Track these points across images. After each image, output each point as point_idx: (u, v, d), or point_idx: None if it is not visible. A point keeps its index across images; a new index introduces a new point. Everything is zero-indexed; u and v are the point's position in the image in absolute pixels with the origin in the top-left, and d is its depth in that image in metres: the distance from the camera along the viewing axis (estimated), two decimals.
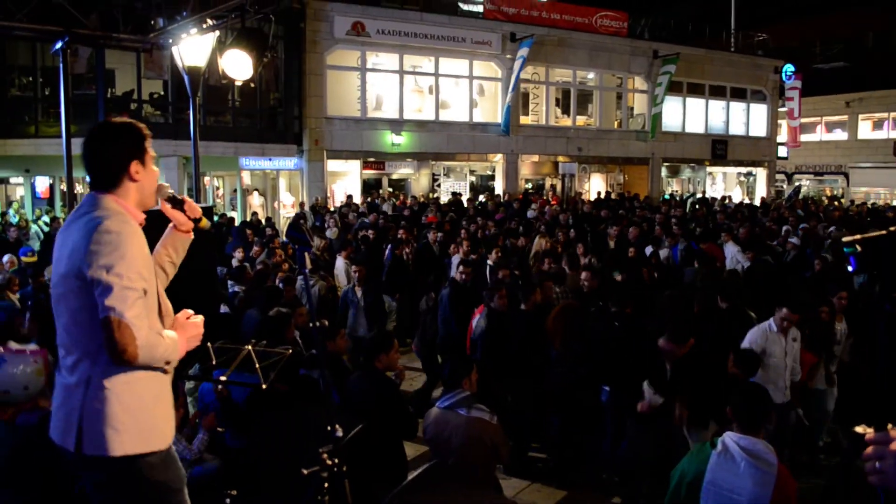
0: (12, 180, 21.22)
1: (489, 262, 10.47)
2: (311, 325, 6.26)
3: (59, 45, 6.91)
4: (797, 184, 32.56)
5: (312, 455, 3.46)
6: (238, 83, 6.28)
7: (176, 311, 3.01)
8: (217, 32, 7.62)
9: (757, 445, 3.70)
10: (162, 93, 19.76)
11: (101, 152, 2.82)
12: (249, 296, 8.53)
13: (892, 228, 1.74)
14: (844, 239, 1.73)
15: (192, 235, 3.17)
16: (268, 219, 18.62)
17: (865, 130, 36.14)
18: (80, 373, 2.63)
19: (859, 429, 1.61)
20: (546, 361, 6.93)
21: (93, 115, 17.25)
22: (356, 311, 8.93)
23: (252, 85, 7.52)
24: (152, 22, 7.68)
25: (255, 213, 19.29)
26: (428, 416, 4.94)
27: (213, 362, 4.45)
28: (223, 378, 4.41)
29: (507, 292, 7.51)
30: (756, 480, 3.59)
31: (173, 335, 2.78)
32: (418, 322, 10.84)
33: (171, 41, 7.87)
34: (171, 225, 3.14)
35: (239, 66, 6.32)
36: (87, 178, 2.88)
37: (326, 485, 3.43)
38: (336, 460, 3.44)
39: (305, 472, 3.45)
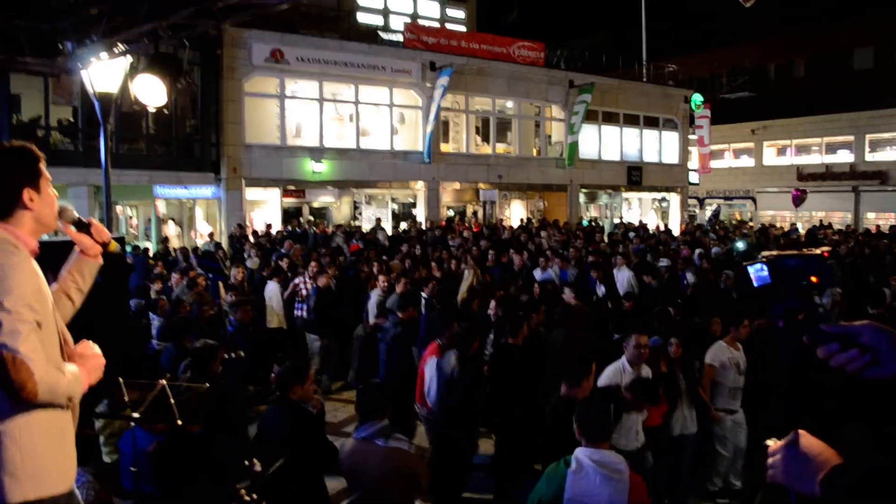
0: None
1: (424, 294, 10.13)
2: (226, 356, 6.05)
3: None
4: (716, 206, 33.79)
5: (230, 492, 3.32)
6: (152, 109, 6.09)
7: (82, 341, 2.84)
8: (129, 57, 7.40)
9: (608, 457, 3.88)
10: (71, 119, 19.08)
11: None
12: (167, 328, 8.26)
13: (820, 250, 1.81)
14: (765, 253, 1.79)
15: (100, 261, 3.00)
16: (182, 248, 18.09)
17: (770, 157, 37.94)
18: None
19: (770, 442, 1.69)
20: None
21: None
22: None
23: (167, 111, 7.33)
24: (60, 46, 7.40)
25: (163, 242, 18.76)
26: (343, 449, 4.80)
27: (126, 398, 4.27)
28: (136, 415, 4.22)
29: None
30: (611, 491, 3.77)
31: (75, 369, 2.60)
32: (349, 356, 10.71)
33: (80, 66, 7.60)
34: (76, 249, 2.96)
35: (152, 91, 6.13)
36: None
37: None
38: (254, 496, 3.31)
39: None
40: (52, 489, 2.53)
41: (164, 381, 4.35)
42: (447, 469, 6.72)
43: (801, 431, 1.65)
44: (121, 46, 6.87)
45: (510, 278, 12.12)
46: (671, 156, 32.54)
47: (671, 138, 32.54)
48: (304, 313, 11.17)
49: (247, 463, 3.41)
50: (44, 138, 18.39)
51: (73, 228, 2.89)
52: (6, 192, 2.62)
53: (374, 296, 10.62)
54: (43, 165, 2.72)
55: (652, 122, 31.69)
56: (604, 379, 6.08)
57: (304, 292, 11.29)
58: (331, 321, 10.65)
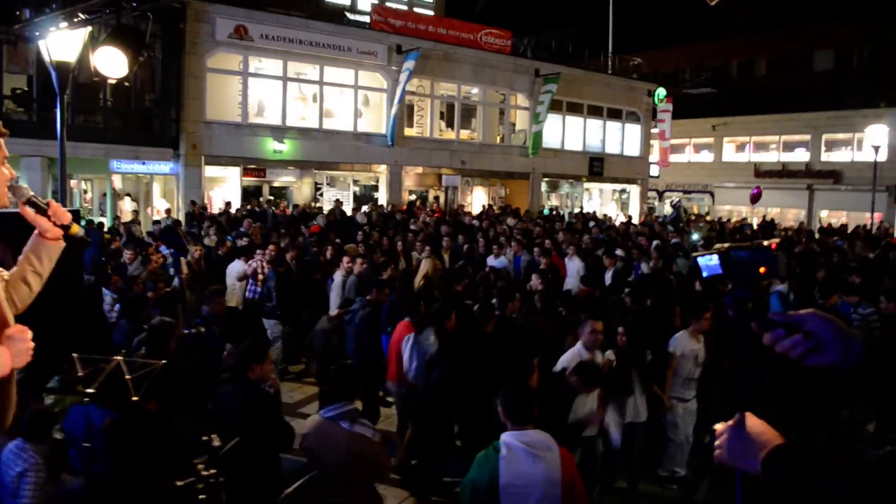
0: None
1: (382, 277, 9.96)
2: (185, 331, 6.00)
3: None
4: (677, 200, 34.36)
5: (186, 467, 3.32)
6: (112, 81, 5.96)
7: (40, 321, 2.76)
8: (89, 28, 7.23)
9: (536, 437, 3.98)
10: (25, 88, 18.56)
11: None
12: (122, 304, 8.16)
13: (768, 242, 1.88)
14: (717, 246, 1.85)
15: (61, 244, 2.85)
16: (126, 223, 17.75)
17: (729, 153, 38.57)
18: None
19: (719, 426, 1.77)
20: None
21: None
22: None
23: (126, 84, 7.17)
24: (17, 13, 7.20)
25: (116, 219, 18.45)
26: (308, 424, 4.81)
27: (80, 374, 4.23)
28: (90, 391, 4.18)
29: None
30: (543, 468, 3.89)
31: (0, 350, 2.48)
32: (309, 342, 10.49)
33: (37, 34, 7.41)
34: (35, 232, 2.81)
35: (113, 63, 6.02)
36: None
37: (202, 496, 3.30)
38: (212, 471, 3.31)
39: (180, 483, 3.30)
40: None
41: (118, 358, 4.32)
42: (427, 448, 6.78)
43: (746, 413, 1.73)
44: (81, 16, 6.72)
45: (472, 264, 12.18)
46: (633, 148, 32.91)
47: (633, 131, 32.90)
48: (256, 295, 10.97)
49: (205, 438, 3.40)
50: None
51: (29, 209, 2.74)
52: None
53: (338, 277, 10.51)
54: None
55: (615, 115, 31.98)
56: (561, 363, 6.19)
57: (260, 275, 11.10)
58: (291, 306, 10.58)
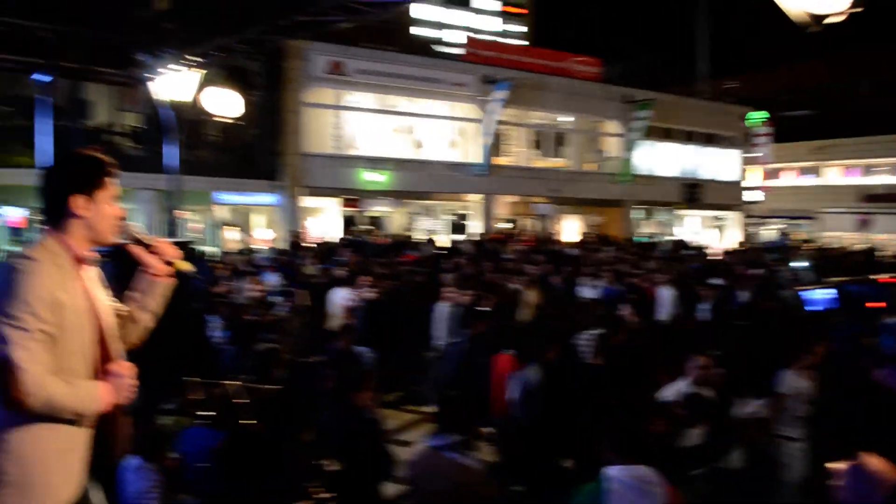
0: None
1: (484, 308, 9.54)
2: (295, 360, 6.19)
3: (41, 76, 6.91)
4: (782, 227, 33.07)
5: (300, 490, 3.42)
6: (226, 120, 6.29)
7: (159, 347, 2.91)
8: (203, 70, 7.68)
9: (642, 472, 3.82)
10: (138, 126, 19.72)
11: (44, 186, 2.65)
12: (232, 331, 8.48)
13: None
14: (832, 279, 1.82)
15: (168, 280, 2.91)
16: (244, 251, 18.48)
17: (834, 176, 37.00)
18: None
19: (836, 465, 1.74)
20: None
21: (67, 146, 17.28)
22: None
23: (231, 121, 7.54)
24: (137, 58, 7.72)
25: (223, 247, 19.22)
26: (414, 453, 4.80)
27: (196, 397, 4.45)
28: (206, 413, 4.38)
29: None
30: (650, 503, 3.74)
31: (91, 385, 2.53)
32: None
33: (153, 76, 7.91)
34: (141, 269, 2.90)
35: (226, 103, 6.36)
36: None
37: None
38: (326, 495, 3.41)
39: None
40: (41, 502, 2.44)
41: (233, 382, 4.52)
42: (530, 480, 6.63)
43: (863, 453, 1.69)
44: (194, 59, 7.14)
45: (568, 294, 12.00)
46: (730, 173, 32.04)
47: (730, 156, 32.05)
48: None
49: (319, 462, 3.51)
50: (112, 144, 19.06)
51: (136, 246, 2.84)
52: (54, 198, 2.61)
53: (444, 308, 10.18)
54: (108, 177, 2.66)
55: (711, 140, 31.28)
56: (666, 395, 6.03)
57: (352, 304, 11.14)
58: (383, 335, 10.53)
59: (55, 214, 2.60)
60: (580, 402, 6.23)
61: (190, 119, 16.83)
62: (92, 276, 2.70)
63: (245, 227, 22.87)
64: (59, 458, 2.46)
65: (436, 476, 4.54)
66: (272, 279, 12.28)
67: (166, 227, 18.94)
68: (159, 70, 7.72)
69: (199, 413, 4.37)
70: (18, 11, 7.05)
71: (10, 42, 6.93)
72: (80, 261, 2.60)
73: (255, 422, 4.55)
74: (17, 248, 2.62)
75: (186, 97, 8.34)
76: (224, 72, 6.15)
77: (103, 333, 2.66)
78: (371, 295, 10.64)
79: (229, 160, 21.10)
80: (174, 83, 8.20)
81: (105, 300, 2.73)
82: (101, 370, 2.61)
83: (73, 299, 2.50)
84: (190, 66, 7.51)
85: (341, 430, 5.17)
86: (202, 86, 6.77)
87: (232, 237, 22.04)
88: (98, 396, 2.51)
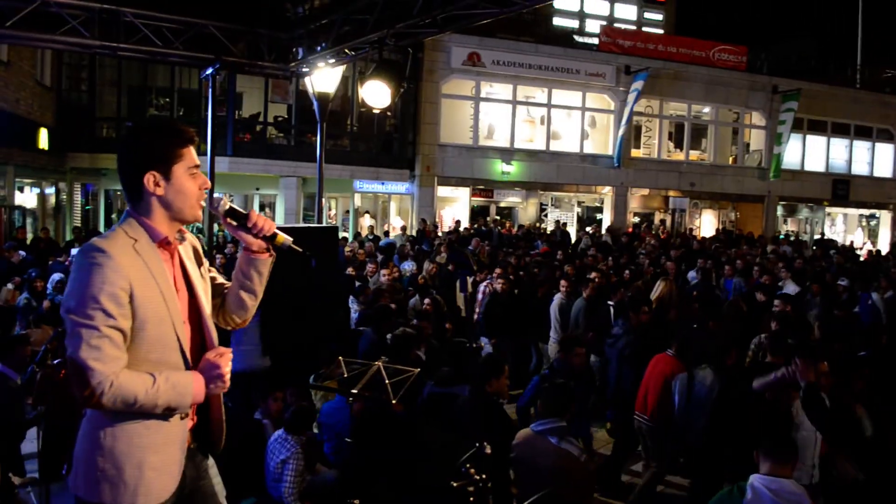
0: None
1: (611, 302, 9.64)
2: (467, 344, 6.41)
3: (209, 70, 7.46)
4: None
5: (458, 469, 3.57)
6: (377, 111, 6.59)
7: (305, 322, 2.87)
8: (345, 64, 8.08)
9: (787, 487, 3.64)
10: (286, 116, 20.73)
11: (125, 159, 2.47)
12: (366, 314, 8.81)
13: None
14: None
15: (267, 256, 2.67)
16: (376, 236, 19.14)
17: None
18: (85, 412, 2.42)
19: None
20: None
21: (223, 135, 18.44)
22: None
23: (377, 112, 7.84)
24: (294, 52, 8.18)
25: (358, 234, 19.94)
26: (519, 436, 4.90)
27: (345, 375, 4.72)
28: (354, 390, 4.64)
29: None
30: None
31: (183, 377, 2.40)
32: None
33: (307, 70, 8.35)
34: (242, 246, 2.69)
35: (377, 95, 6.65)
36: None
37: (472, 499, 3.53)
38: (483, 476, 3.54)
39: (455, 484, 3.55)
40: (136, 498, 2.38)
41: (379, 363, 4.76)
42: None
43: None
44: (347, 53, 7.49)
45: (706, 290, 11.63)
46: (884, 169, 29.85)
47: (885, 150, 29.85)
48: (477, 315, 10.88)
49: (477, 445, 3.67)
50: (261, 132, 20.16)
51: (231, 221, 2.61)
52: (129, 177, 2.44)
53: (556, 300, 10.13)
54: (183, 148, 2.46)
55: (864, 132, 29.24)
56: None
57: (480, 296, 11.09)
58: (499, 325, 10.33)
59: (133, 194, 2.44)
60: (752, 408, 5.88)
61: (332, 110, 17.62)
62: (187, 256, 2.58)
63: (379, 215, 23.61)
64: (154, 451, 2.39)
65: (537, 459, 4.61)
66: (407, 266, 12.64)
67: (308, 214, 19.93)
68: (315, 64, 8.13)
69: (351, 390, 4.60)
70: (187, 9, 7.62)
71: (183, 38, 7.50)
72: (164, 243, 2.46)
73: (395, 401, 4.77)
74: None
75: (331, 88, 8.73)
76: (382, 67, 6.39)
77: (201, 319, 2.57)
78: (499, 286, 10.52)
79: (368, 149, 21.83)
80: (322, 76, 8.61)
81: (201, 281, 2.62)
82: (199, 358, 2.51)
83: (152, 289, 2.36)
84: (343, 61, 7.88)
85: (477, 416, 5.34)
86: (360, 80, 7.02)
87: (367, 223, 22.81)
88: (190, 388, 2.39)
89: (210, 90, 7.55)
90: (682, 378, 6.46)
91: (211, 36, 7.63)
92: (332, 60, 7.81)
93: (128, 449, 2.34)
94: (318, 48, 7.57)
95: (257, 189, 21.63)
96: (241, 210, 2.59)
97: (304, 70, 8.18)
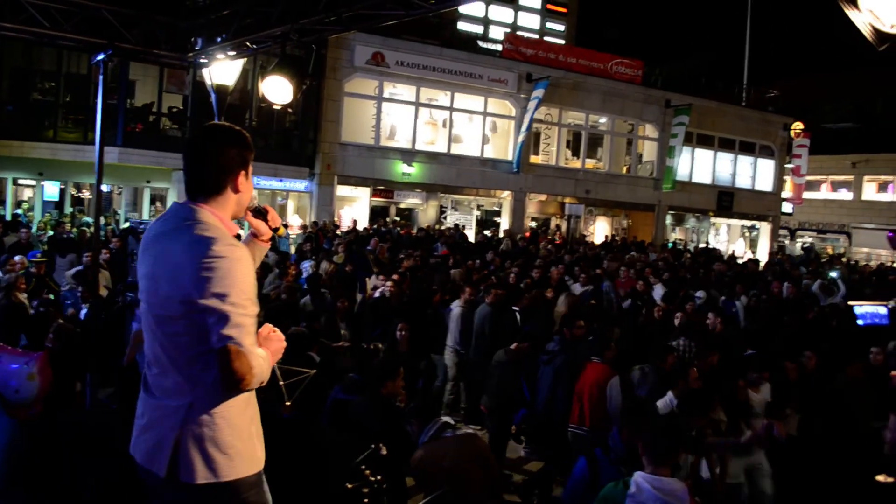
0: (21, 181, 21.07)
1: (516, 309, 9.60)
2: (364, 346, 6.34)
3: (101, 56, 7.11)
4: (808, 243, 32.61)
5: (353, 470, 3.53)
6: (277, 107, 6.45)
7: None
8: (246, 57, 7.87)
9: (669, 485, 3.79)
10: (181, 107, 20.04)
11: (216, 157, 2.65)
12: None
13: None
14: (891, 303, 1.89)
15: (269, 245, 3.12)
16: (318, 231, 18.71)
17: (870, 192, 36.49)
18: (181, 397, 2.52)
19: (880, 478, 1.78)
20: None
21: (113, 125, 17.65)
22: None
23: (278, 107, 7.70)
24: (192, 41, 7.90)
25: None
26: (416, 456, 4.83)
27: None
28: None
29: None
30: None
31: (265, 354, 2.61)
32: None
33: (206, 60, 8.09)
34: (249, 233, 3.05)
35: (279, 91, 6.51)
36: (184, 184, 2.71)
37: (366, 500, 3.51)
38: (378, 477, 3.53)
39: (350, 485, 3.52)
40: (254, 467, 2.61)
41: (273, 365, 4.63)
42: None
43: None
44: (249, 46, 7.30)
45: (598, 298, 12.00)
46: (765, 183, 31.62)
47: (766, 165, 31.63)
48: None
49: (373, 446, 3.64)
50: (154, 123, 19.43)
51: (251, 215, 2.96)
52: (226, 170, 2.65)
53: (455, 308, 9.55)
54: (252, 153, 2.77)
55: (748, 148, 30.90)
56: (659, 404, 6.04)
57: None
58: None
59: (213, 189, 2.64)
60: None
61: (229, 103, 17.18)
62: None
63: (277, 213, 23.11)
64: (252, 423, 2.64)
65: (440, 458, 4.61)
66: (305, 266, 12.46)
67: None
68: (214, 55, 7.88)
69: None
70: None
71: (74, 21, 7.12)
72: (234, 236, 2.64)
73: (288, 403, 4.67)
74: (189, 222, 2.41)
75: (230, 81, 8.49)
76: (285, 62, 6.25)
77: None
78: (388, 289, 10.07)
79: (266, 145, 21.38)
80: (221, 67, 8.36)
81: None
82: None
83: (254, 280, 2.60)
84: (245, 53, 7.67)
85: (372, 418, 5.30)
86: (261, 75, 6.87)
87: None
88: (269, 363, 2.62)
89: (101, 77, 7.19)
90: (615, 381, 6.64)
91: (104, 20, 7.28)
92: (233, 53, 7.59)
93: (243, 423, 2.57)
94: (219, 39, 7.35)
95: (148, 182, 20.80)
96: (262, 206, 3.04)
97: (202, 61, 7.91)
